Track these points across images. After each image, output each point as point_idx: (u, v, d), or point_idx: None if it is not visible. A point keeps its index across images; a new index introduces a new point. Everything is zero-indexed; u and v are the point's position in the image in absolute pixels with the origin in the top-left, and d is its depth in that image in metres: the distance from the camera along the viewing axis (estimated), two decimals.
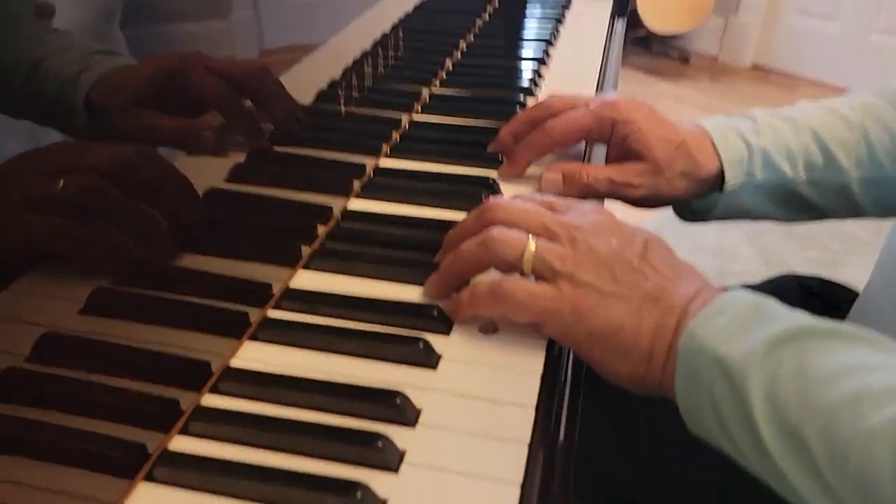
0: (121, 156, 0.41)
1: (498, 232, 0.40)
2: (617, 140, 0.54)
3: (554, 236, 0.40)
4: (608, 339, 0.38)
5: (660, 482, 0.57)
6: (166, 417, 0.34)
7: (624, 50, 0.99)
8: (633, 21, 2.59)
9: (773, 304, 0.37)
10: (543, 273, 0.39)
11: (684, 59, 2.84)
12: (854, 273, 1.63)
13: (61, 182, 0.39)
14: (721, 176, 0.55)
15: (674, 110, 2.48)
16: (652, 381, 0.38)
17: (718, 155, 0.54)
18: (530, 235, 0.40)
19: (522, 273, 0.40)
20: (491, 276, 0.42)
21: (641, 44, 2.86)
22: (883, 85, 0.59)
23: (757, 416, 0.33)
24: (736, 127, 0.56)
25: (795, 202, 0.58)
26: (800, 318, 0.36)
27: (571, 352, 0.42)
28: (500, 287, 0.39)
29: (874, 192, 0.56)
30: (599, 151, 0.60)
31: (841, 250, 1.77)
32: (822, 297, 0.69)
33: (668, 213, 0.62)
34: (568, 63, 0.80)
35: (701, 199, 0.57)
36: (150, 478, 0.32)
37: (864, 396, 0.31)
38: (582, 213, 0.42)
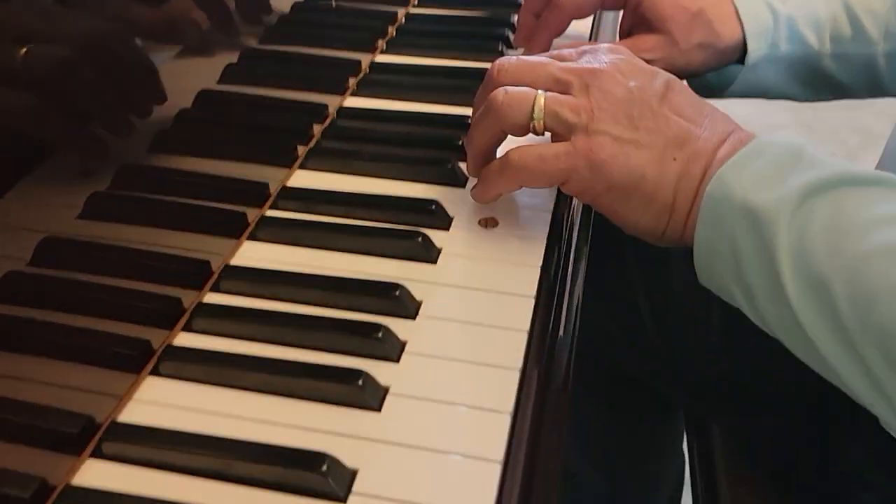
0: (96, 32, 0.39)
1: (502, 93, 0.37)
2: (631, 8, 0.51)
3: (566, 86, 0.37)
4: (629, 191, 0.36)
5: (664, 368, 0.58)
6: (169, 315, 0.34)
7: None
8: None
9: (812, 150, 0.34)
10: (558, 129, 0.36)
11: None
12: (872, 167, 1.59)
13: (24, 50, 0.37)
14: (742, 47, 0.51)
15: None
16: (673, 233, 0.36)
17: (741, 23, 0.51)
18: (539, 91, 0.37)
19: (536, 132, 0.37)
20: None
21: None
22: None
23: (781, 266, 0.31)
24: None
25: (817, 78, 0.55)
26: (840, 166, 0.33)
27: (573, 245, 0.42)
28: (508, 159, 0.37)
29: None
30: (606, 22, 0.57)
31: (858, 144, 1.73)
32: None
33: None
34: None
35: (717, 73, 0.54)
36: (156, 372, 0.32)
37: None
38: (596, 55, 0.38)
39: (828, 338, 0.31)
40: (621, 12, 0.54)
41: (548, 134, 0.38)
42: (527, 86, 0.37)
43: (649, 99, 0.36)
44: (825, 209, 0.32)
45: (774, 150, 0.34)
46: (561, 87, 0.37)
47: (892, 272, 0.29)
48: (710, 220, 0.34)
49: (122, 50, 0.41)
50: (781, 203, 0.32)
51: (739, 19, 0.51)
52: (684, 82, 0.55)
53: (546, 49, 0.53)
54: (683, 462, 0.75)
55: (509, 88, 0.37)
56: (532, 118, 0.36)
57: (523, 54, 0.53)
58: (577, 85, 0.37)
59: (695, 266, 0.36)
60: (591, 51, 0.39)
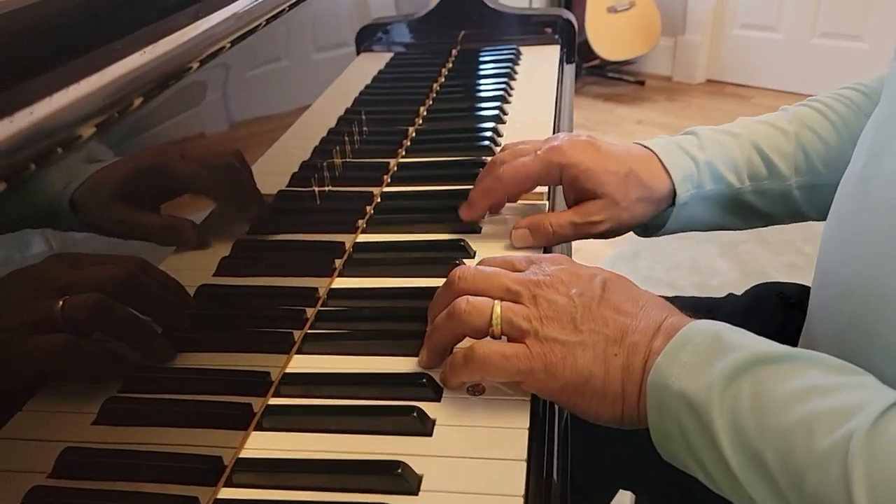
0: (118, 273, 0.43)
1: (465, 303, 0.42)
2: (567, 182, 0.57)
3: (516, 296, 0.42)
4: (582, 388, 0.40)
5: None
6: None
7: (579, 80, 1.02)
8: (586, 52, 2.67)
9: (730, 334, 0.39)
10: (512, 333, 0.42)
11: (640, 82, 2.93)
12: None
13: (60, 303, 0.41)
14: (674, 192, 0.58)
15: (636, 133, 2.55)
16: (630, 418, 0.41)
17: (668, 173, 0.58)
18: (496, 301, 0.42)
19: (494, 336, 0.42)
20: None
21: (596, 72, 2.94)
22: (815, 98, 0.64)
23: (722, 444, 0.36)
24: (681, 144, 0.60)
25: (743, 210, 0.62)
26: (755, 347, 0.38)
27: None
28: (474, 353, 0.41)
29: (813, 197, 0.61)
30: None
31: (814, 252, 1.82)
32: (800, 304, 0.72)
33: (639, 238, 0.65)
34: (524, 115, 0.85)
35: (655, 216, 0.60)
36: None
37: (815, 420, 0.34)
38: (541, 267, 0.44)
39: None
40: None
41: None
42: (483, 293, 0.43)
43: (589, 303, 0.42)
44: (748, 389, 0.37)
45: (697, 338, 0.39)
46: (512, 296, 0.43)
47: (811, 444, 0.34)
48: (656, 407, 0.39)
49: (153, 284, 0.45)
50: (710, 388, 0.37)
51: (666, 170, 0.58)
52: (621, 274, 0.60)
53: (484, 211, 0.59)
54: None
55: (471, 298, 0.43)
56: (491, 324, 0.42)
57: (465, 209, 0.59)
58: (526, 295, 0.42)
59: (655, 446, 0.40)
60: (537, 261, 0.45)
